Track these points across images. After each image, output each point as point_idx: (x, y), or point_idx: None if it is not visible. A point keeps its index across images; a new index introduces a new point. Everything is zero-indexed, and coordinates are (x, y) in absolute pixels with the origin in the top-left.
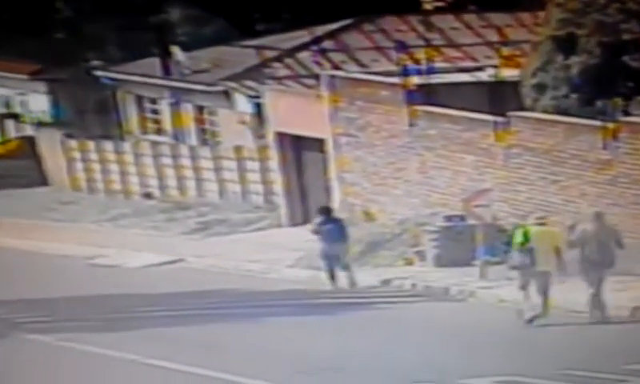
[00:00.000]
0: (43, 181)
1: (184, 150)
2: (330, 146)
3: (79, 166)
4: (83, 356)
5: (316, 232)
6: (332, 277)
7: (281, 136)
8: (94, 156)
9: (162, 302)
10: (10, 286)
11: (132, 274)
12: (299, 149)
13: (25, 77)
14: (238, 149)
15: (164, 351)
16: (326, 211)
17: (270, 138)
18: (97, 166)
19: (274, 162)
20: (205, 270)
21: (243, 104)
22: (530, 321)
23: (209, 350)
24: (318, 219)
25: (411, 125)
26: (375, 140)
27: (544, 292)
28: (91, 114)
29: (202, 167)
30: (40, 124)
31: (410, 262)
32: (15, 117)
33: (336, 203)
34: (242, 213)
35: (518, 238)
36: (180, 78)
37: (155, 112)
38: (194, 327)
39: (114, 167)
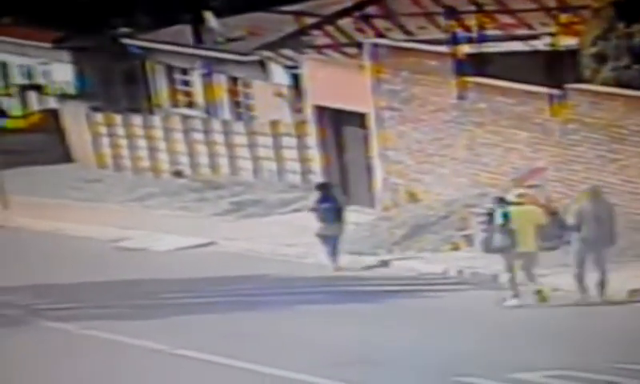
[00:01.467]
0: (67, 157)
1: (216, 124)
2: (372, 121)
3: (105, 141)
4: (107, 346)
5: (313, 210)
6: (333, 258)
7: (319, 110)
8: (120, 131)
9: (192, 288)
10: (30, 271)
11: (160, 258)
12: (339, 124)
13: (47, 45)
14: (273, 124)
15: (193, 341)
16: (324, 188)
17: (308, 112)
18: (124, 142)
19: (312, 138)
20: (237, 254)
21: (280, 75)
22: (516, 305)
23: (240, 340)
24: (315, 196)
25: (460, 98)
26: (421, 114)
27: (530, 273)
28: (118, 85)
29: (236, 143)
30: (63, 96)
31: (456, 247)
32: (37, 88)
33: (378, 182)
34: (278, 193)
35: (498, 219)
36: (213, 47)
37: (186, 84)
38: (225, 315)
39: (142, 143)
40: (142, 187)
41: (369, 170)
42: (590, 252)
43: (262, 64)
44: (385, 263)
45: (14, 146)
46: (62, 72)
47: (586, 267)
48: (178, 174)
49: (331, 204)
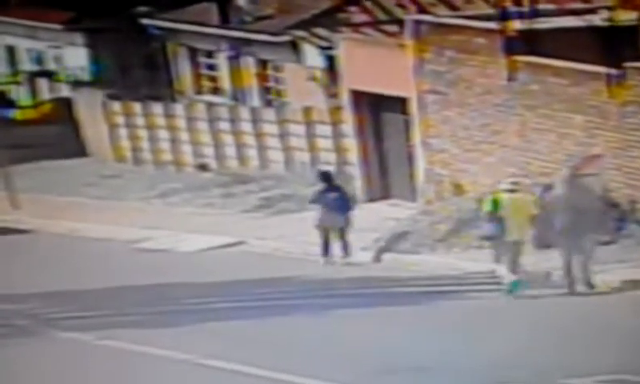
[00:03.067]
0: (81, 150)
1: (244, 112)
2: (413, 106)
3: (123, 132)
4: (126, 356)
5: (314, 201)
6: (326, 249)
7: (356, 95)
8: (140, 121)
9: (219, 293)
10: (42, 276)
11: (184, 260)
12: (378, 110)
13: (59, 27)
14: (306, 110)
15: (220, 349)
16: (327, 177)
17: (344, 98)
18: (144, 133)
19: (348, 126)
20: (268, 254)
21: (313, 57)
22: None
23: (272, 348)
24: (317, 186)
25: (510, 79)
26: (467, 98)
27: (514, 262)
28: (137, 70)
29: (266, 133)
30: (77, 83)
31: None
32: (49, 75)
33: (420, 173)
34: (311, 186)
35: (488, 206)
36: (240, 27)
37: (211, 68)
38: (255, 321)
39: (163, 134)
40: (164, 183)
41: (410, 159)
42: (570, 241)
43: (293, 45)
44: (427, 262)
45: (24, 139)
46: (75, 56)
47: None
48: (203, 167)
49: (336, 194)
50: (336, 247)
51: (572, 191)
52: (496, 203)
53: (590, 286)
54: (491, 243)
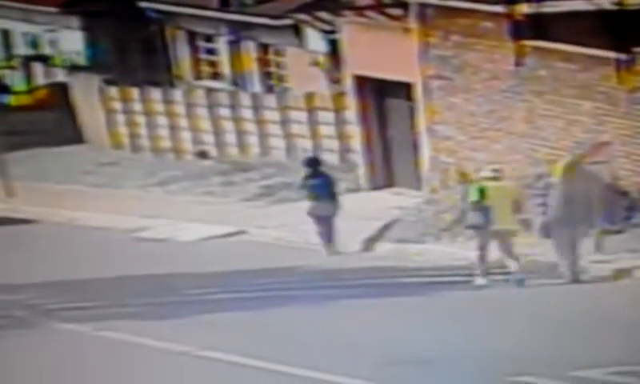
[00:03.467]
0: (77, 137)
1: (245, 98)
2: (418, 92)
3: (120, 118)
4: (125, 348)
5: (302, 188)
6: (325, 240)
7: (360, 80)
8: (138, 107)
9: (219, 283)
10: (39, 266)
11: (183, 250)
12: (382, 95)
13: (54, 9)
14: (309, 97)
15: (221, 341)
16: (313, 163)
17: (347, 83)
18: (142, 119)
19: (351, 113)
20: (269, 243)
21: (316, 41)
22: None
23: (272, 340)
24: (304, 173)
25: (517, 64)
26: (474, 83)
27: (508, 252)
28: (135, 54)
29: (266, 120)
30: (73, 67)
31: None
32: (44, 59)
33: (425, 161)
34: None
35: (473, 195)
36: (240, 10)
37: (211, 52)
38: (255, 312)
39: (161, 120)
40: (163, 170)
41: (415, 147)
42: (561, 231)
43: (295, 29)
44: (432, 252)
45: (19, 125)
46: (71, 40)
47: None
48: (203, 154)
49: (321, 180)
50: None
51: (567, 179)
52: (482, 192)
53: (577, 273)
54: (477, 232)
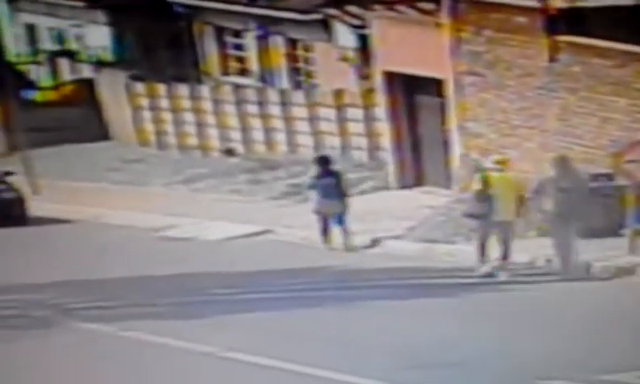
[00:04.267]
0: (103, 134)
1: (273, 95)
2: (449, 88)
3: (147, 115)
4: (149, 348)
5: (311, 186)
6: (326, 237)
7: (390, 76)
8: (164, 103)
9: (244, 283)
10: (62, 264)
11: (209, 249)
12: (412, 92)
13: (80, 4)
14: (337, 93)
15: (246, 342)
16: (324, 162)
17: (377, 80)
18: (168, 116)
19: (380, 110)
20: (296, 243)
21: (345, 36)
22: (487, 276)
23: (299, 341)
24: (314, 171)
25: (551, 60)
26: (506, 79)
27: (505, 243)
28: (162, 50)
29: (294, 116)
30: (100, 63)
31: (544, 232)
32: (70, 55)
33: (455, 159)
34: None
35: (477, 184)
36: (269, 5)
37: (238, 48)
38: (281, 313)
39: (188, 117)
40: (189, 168)
41: (445, 144)
42: (558, 226)
43: (324, 24)
44: (463, 252)
45: (44, 122)
46: (97, 35)
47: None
48: (230, 152)
49: (331, 179)
50: (336, 233)
51: (560, 175)
52: (486, 181)
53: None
54: (478, 222)
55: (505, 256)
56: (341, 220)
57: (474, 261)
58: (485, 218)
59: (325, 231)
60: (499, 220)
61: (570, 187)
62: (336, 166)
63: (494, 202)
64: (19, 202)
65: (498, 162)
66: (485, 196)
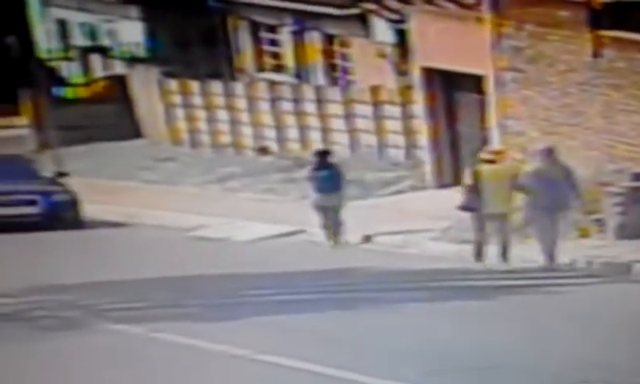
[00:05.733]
0: (135, 132)
1: (308, 91)
2: (490, 85)
3: (180, 112)
4: (180, 351)
5: (310, 179)
6: (329, 232)
7: (429, 72)
8: (198, 100)
9: (278, 284)
10: (92, 265)
11: (242, 249)
12: (451, 89)
13: None
14: (374, 90)
15: (278, 344)
16: (323, 155)
17: (415, 76)
18: (201, 114)
19: (418, 107)
20: (337, 246)
21: (383, 31)
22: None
23: (333, 344)
24: (312, 164)
25: (595, 55)
26: (548, 76)
27: (503, 236)
28: (195, 46)
29: (330, 114)
30: (132, 60)
31: (585, 233)
32: (102, 51)
33: None
34: (378, 171)
35: (468, 178)
36: None
37: (274, 43)
38: (316, 315)
39: (222, 114)
40: (222, 166)
41: (485, 143)
42: (541, 217)
43: (362, 18)
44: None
45: (75, 119)
46: (130, 31)
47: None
48: (264, 150)
49: (329, 172)
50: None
51: (548, 166)
52: (476, 175)
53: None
54: (471, 215)
55: (504, 249)
56: (336, 214)
57: (473, 256)
58: (478, 211)
59: (326, 226)
60: (491, 212)
61: (557, 179)
62: (334, 159)
63: (483, 196)
64: (73, 204)
65: (492, 153)
66: (476, 189)
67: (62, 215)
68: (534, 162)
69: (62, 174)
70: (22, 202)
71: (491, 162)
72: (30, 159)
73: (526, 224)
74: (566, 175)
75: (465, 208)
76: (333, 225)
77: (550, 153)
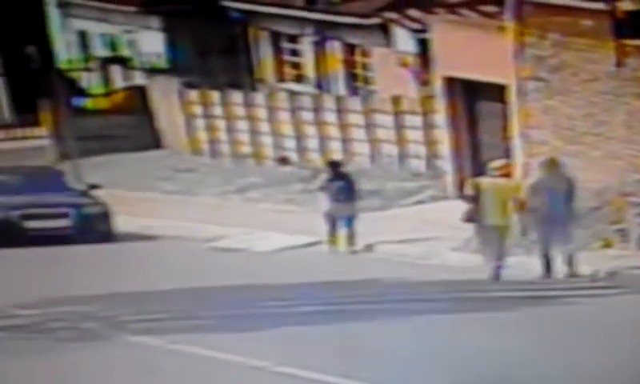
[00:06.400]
0: (155, 142)
1: (329, 101)
2: (512, 94)
3: (200, 123)
4: (200, 363)
5: (323, 189)
6: (335, 240)
7: (450, 82)
8: (218, 111)
9: (299, 295)
10: (112, 276)
11: (262, 260)
12: (473, 98)
13: (133, 9)
14: (396, 99)
15: (298, 356)
16: (335, 165)
17: (437, 85)
18: (222, 124)
19: (440, 116)
20: (350, 254)
21: (404, 41)
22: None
23: (355, 355)
24: (325, 175)
25: (618, 64)
26: (572, 85)
27: (498, 249)
28: (216, 57)
29: (351, 124)
30: (153, 70)
31: (608, 244)
32: (122, 61)
33: (518, 168)
34: (399, 181)
35: (468, 190)
36: (326, 9)
37: (294, 53)
38: (337, 326)
39: (242, 125)
40: (242, 177)
41: (507, 152)
42: (549, 228)
43: (383, 28)
44: (523, 264)
45: (95, 130)
46: (150, 42)
47: (548, 245)
48: (284, 160)
49: (343, 182)
50: (343, 236)
51: (551, 177)
52: (476, 186)
53: (573, 274)
54: (474, 227)
55: (499, 258)
56: (350, 223)
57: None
58: (477, 223)
59: (332, 233)
60: (489, 224)
61: (560, 190)
62: (347, 170)
63: (484, 207)
64: (105, 216)
65: (496, 168)
66: (477, 200)
67: (93, 228)
68: (537, 173)
69: (93, 187)
70: (53, 214)
71: (493, 175)
72: (61, 171)
73: (524, 234)
74: (567, 186)
75: (469, 220)
76: (346, 234)
77: (551, 164)
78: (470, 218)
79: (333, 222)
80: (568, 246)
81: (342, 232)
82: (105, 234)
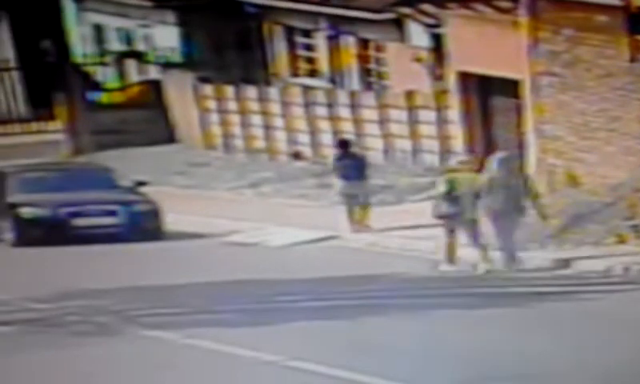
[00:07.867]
0: (169, 136)
1: (342, 96)
2: (526, 89)
3: (214, 117)
4: (213, 357)
5: (333, 169)
6: (353, 217)
7: (464, 77)
8: (232, 105)
9: (311, 290)
10: (126, 270)
11: (275, 255)
12: (487, 93)
13: (149, 3)
14: (409, 94)
15: (311, 351)
16: (344, 145)
17: (451, 80)
18: (236, 118)
19: (453, 112)
20: (363, 249)
21: (418, 36)
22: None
23: (366, 351)
24: (335, 154)
25: (632, 60)
26: (586, 80)
27: (474, 241)
28: (231, 51)
29: (364, 119)
30: (168, 64)
31: (622, 240)
32: (137, 56)
33: (531, 164)
34: (412, 177)
35: (442, 187)
36: (340, 3)
37: (309, 48)
38: (349, 321)
39: (256, 119)
40: (256, 172)
41: (521, 148)
42: (499, 222)
43: (397, 23)
44: (537, 259)
45: (110, 124)
46: (165, 36)
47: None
48: (297, 155)
49: (353, 161)
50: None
51: (505, 172)
52: (452, 183)
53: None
54: (446, 221)
55: (481, 253)
56: (363, 201)
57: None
58: (453, 218)
59: (349, 210)
60: (467, 218)
61: (515, 184)
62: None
63: (461, 202)
64: (155, 214)
65: (462, 163)
66: (451, 197)
67: (143, 226)
68: (491, 170)
69: (140, 184)
70: (101, 212)
71: (461, 170)
72: (108, 168)
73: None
74: (523, 181)
75: (441, 216)
76: (360, 208)
77: (504, 161)
78: (444, 214)
79: (349, 200)
80: (512, 243)
81: (356, 209)
82: (154, 231)
